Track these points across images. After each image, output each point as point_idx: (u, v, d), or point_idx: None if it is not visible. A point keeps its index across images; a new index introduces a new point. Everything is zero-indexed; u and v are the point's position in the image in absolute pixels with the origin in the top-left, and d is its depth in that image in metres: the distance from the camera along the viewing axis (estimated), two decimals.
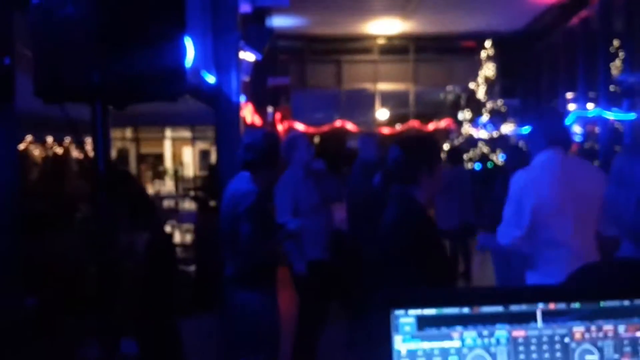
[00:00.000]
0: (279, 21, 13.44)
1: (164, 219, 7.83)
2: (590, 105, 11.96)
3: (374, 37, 16.20)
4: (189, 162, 17.11)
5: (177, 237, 8.74)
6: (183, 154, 19.00)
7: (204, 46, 5.96)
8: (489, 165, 12.92)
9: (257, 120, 9.38)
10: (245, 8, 7.96)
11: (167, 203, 11.69)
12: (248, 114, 8.24)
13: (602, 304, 1.17)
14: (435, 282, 2.21)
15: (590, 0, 11.86)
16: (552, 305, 1.16)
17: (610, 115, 11.01)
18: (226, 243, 3.25)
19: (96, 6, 2.24)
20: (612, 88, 11.25)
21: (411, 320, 1.12)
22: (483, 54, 14.31)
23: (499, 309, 1.14)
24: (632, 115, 10.28)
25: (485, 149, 13.54)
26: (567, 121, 12.32)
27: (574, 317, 1.17)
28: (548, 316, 1.16)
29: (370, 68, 16.60)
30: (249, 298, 3.17)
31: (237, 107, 6.26)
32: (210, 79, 5.99)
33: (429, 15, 14.12)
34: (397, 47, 16.47)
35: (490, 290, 1.21)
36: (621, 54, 11.18)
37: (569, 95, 13.08)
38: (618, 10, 11.02)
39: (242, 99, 6.55)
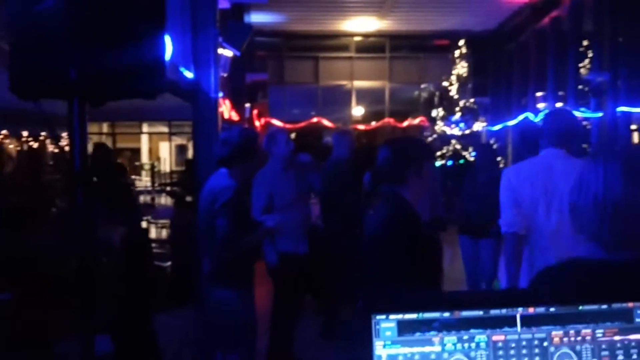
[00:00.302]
0: (257, 18, 13.49)
1: (141, 214, 7.85)
2: (559, 104, 12.24)
3: (350, 35, 16.34)
4: (166, 157, 17.05)
5: (153, 233, 8.72)
6: (160, 149, 18.91)
7: (182, 42, 6.00)
8: (460, 161, 13.16)
9: (235, 116, 9.44)
10: (224, 4, 8.01)
11: (144, 198, 11.67)
12: (226, 110, 8.30)
13: (581, 307, 1.18)
14: (426, 280, 2.25)
15: (561, 0, 12.10)
16: (531, 310, 1.17)
17: (579, 114, 11.29)
18: (203, 239, 3.23)
19: (74, 1, 2.16)
20: (580, 87, 11.53)
21: (392, 325, 1.12)
22: (456, 53, 14.53)
23: (479, 313, 1.15)
24: (599, 114, 10.56)
25: (458, 146, 13.78)
26: (537, 119, 12.63)
27: (553, 321, 1.17)
28: (527, 320, 1.16)
29: (347, 65, 16.74)
30: (226, 295, 3.15)
31: (215, 103, 6.30)
32: (189, 74, 6.05)
33: (404, 14, 14.32)
34: (373, 45, 16.63)
35: (471, 294, 1.27)
36: (590, 54, 11.46)
37: (539, 93, 13.33)
38: (588, 11, 11.25)
39: (220, 94, 6.60)
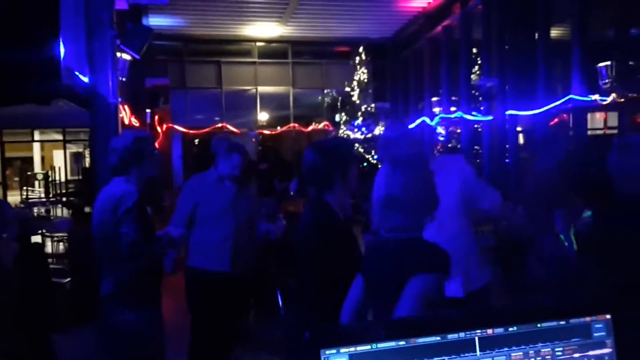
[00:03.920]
0: (157, 21, 13.16)
1: (34, 227, 7.40)
2: (453, 108, 12.91)
3: (253, 40, 16.33)
4: (61, 166, 16.14)
5: (49, 247, 8.24)
6: (54, 158, 17.90)
7: (77, 44, 5.74)
8: (364, 164, 13.52)
9: (135, 122, 9.15)
10: (121, 5, 7.75)
11: (37, 210, 10.98)
12: (125, 115, 8.03)
13: (540, 325, 1.15)
14: (349, 284, 2.19)
15: (452, 10, 12.76)
16: (490, 331, 1.13)
17: (471, 117, 11.96)
18: (104, 254, 2.97)
19: None
20: (472, 92, 12.21)
21: (344, 359, 1.05)
22: (357, 59, 14.94)
23: (436, 339, 1.09)
24: (489, 117, 11.24)
25: (361, 150, 14.15)
26: (433, 122, 13.26)
27: (513, 341, 1.14)
28: (486, 343, 1.12)
29: (250, 70, 16.71)
30: (130, 316, 2.91)
31: (113, 109, 6.08)
32: (84, 79, 5.80)
33: (305, 21, 14.55)
34: (275, 51, 16.72)
35: (427, 320, 1.16)
36: (480, 61, 12.16)
37: (434, 98, 13.98)
38: (477, 20, 11.91)
39: (119, 100, 6.38)
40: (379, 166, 3.63)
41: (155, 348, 3.07)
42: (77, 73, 5.57)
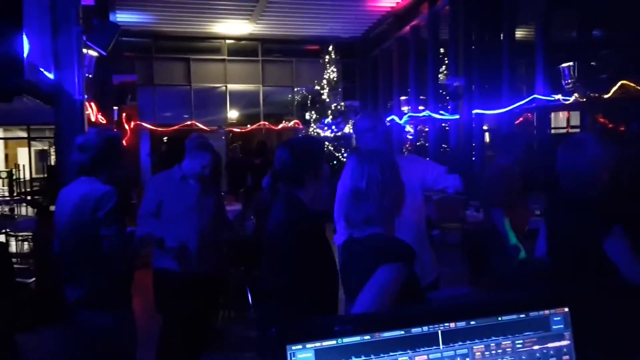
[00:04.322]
0: (124, 17, 12.98)
1: None
2: (421, 107, 13.06)
3: (222, 38, 16.22)
4: (25, 164, 15.78)
5: (13, 247, 8.06)
6: (18, 156, 17.49)
7: (41, 40, 5.64)
8: (333, 162, 13.57)
9: (102, 120, 9.02)
10: (87, 0, 7.61)
11: (1, 209, 10.71)
12: (92, 113, 7.91)
13: (501, 319, 1.18)
14: (320, 281, 2.25)
15: (420, 10, 12.88)
16: (452, 325, 1.15)
17: (438, 116, 12.12)
18: (77, 256, 2.84)
19: None
20: (439, 91, 12.36)
21: (309, 355, 1.05)
22: (326, 58, 14.98)
23: (400, 333, 1.11)
24: (456, 116, 11.40)
25: (331, 148, 14.20)
26: (401, 121, 13.39)
27: (474, 334, 1.15)
28: (449, 336, 1.14)
29: (220, 68, 16.59)
30: (104, 318, 2.83)
31: (79, 106, 5.98)
32: (49, 75, 5.69)
33: (274, 19, 14.52)
34: (245, 48, 16.64)
35: (391, 314, 1.17)
36: (447, 61, 12.32)
37: (403, 97, 14.10)
38: (444, 21, 12.07)
39: (85, 97, 6.28)
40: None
41: (127, 349, 3.01)
42: (41, 69, 5.46)
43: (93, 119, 7.96)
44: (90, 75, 7.07)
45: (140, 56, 15.76)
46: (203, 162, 3.79)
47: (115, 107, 11.15)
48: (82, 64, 6.27)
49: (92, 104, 8.00)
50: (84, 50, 6.65)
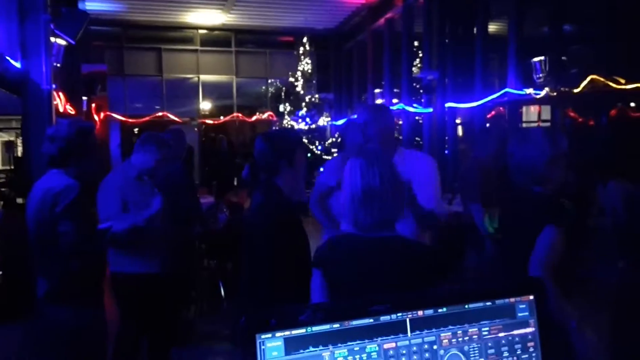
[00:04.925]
0: (93, 5, 12.71)
1: None
2: (395, 100, 13.11)
3: (195, 27, 16.03)
4: None
5: None
6: None
7: (8, 28, 5.52)
8: (308, 155, 13.58)
9: (71, 110, 8.84)
10: None
11: None
12: (60, 103, 7.75)
13: (467, 306, 1.19)
14: (294, 267, 2.34)
15: (394, 3, 12.91)
16: (420, 313, 1.16)
17: (412, 109, 12.18)
18: (39, 251, 2.80)
19: None
20: (413, 84, 12.42)
21: (279, 343, 1.06)
22: (301, 50, 14.92)
23: (369, 321, 1.12)
24: (430, 110, 11.47)
25: (305, 140, 14.20)
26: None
27: (442, 322, 1.17)
28: (417, 324, 1.16)
29: (193, 58, 16.39)
30: (71, 314, 2.76)
31: (47, 95, 5.87)
32: (16, 64, 5.56)
33: (248, 10, 14.39)
34: (218, 39, 16.47)
35: (360, 303, 1.15)
36: (421, 54, 12.38)
37: (377, 90, 14.14)
38: (418, 14, 12.11)
39: (53, 86, 6.15)
40: (324, 157, 3.69)
41: (97, 346, 2.95)
42: (8, 58, 5.34)
43: (61, 110, 7.80)
44: (58, 65, 6.93)
45: (110, 45, 15.48)
46: (157, 157, 3.68)
47: (84, 98, 10.93)
48: (50, 53, 6.14)
49: (61, 94, 7.84)
50: (52, 39, 6.52)
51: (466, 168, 5.05)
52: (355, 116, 3.40)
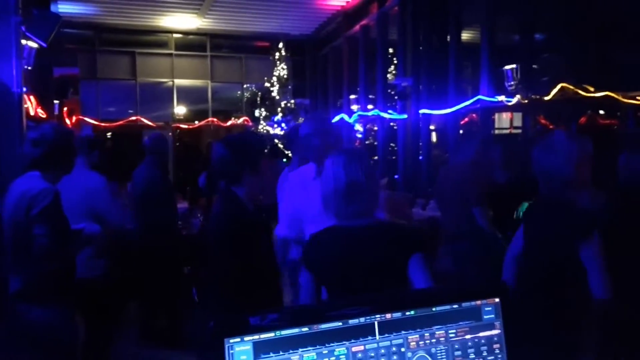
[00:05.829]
0: (66, 8, 12.54)
1: None
2: (370, 106, 13.19)
3: (169, 31, 15.91)
4: None
5: None
6: None
7: None
8: (284, 160, 13.54)
9: (42, 113, 8.70)
10: None
11: None
12: (31, 106, 7.63)
13: (435, 309, 1.22)
14: (259, 274, 2.32)
15: (370, 10, 13.00)
16: (388, 316, 1.17)
17: (387, 116, 12.27)
18: (15, 252, 2.84)
19: None
20: (388, 91, 12.51)
21: (247, 347, 1.06)
22: (276, 55, 14.91)
23: (338, 324, 1.13)
24: (404, 116, 11.58)
25: (281, 145, 14.16)
26: (351, 120, 13.49)
27: (409, 325, 1.19)
28: (385, 327, 1.17)
29: (167, 62, 16.26)
30: (40, 314, 2.79)
31: (17, 99, 5.80)
32: None
33: (223, 14, 14.34)
34: (193, 43, 16.36)
35: (328, 306, 1.18)
36: (395, 61, 12.48)
37: (352, 96, 14.20)
38: (392, 21, 12.23)
39: (24, 90, 6.06)
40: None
41: (66, 346, 2.96)
42: None
43: (32, 113, 7.67)
44: (29, 68, 6.83)
45: (83, 49, 15.26)
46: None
47: (56, 101, 10.77)
48: (20, 56, 6.06)
49: (32, 97, 7.71)
50: (23, 41, 6.42)
51: (445, 173, 5.03)
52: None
